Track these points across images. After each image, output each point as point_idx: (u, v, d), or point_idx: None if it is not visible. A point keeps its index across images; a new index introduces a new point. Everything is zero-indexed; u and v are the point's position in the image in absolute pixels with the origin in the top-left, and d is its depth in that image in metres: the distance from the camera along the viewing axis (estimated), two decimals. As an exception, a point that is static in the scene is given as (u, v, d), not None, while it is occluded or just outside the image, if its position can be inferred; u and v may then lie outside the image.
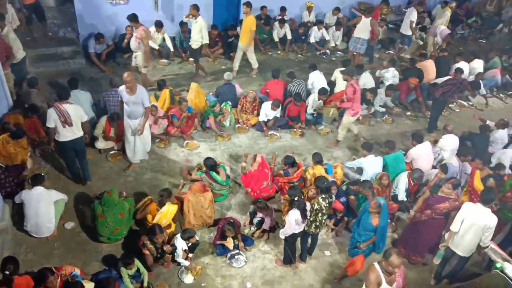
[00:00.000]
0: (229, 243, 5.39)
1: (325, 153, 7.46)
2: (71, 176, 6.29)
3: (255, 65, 9.54)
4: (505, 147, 7.66)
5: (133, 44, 7.75)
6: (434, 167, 7.00)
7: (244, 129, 7.81)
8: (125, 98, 5.96)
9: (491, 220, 4.86)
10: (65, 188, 6.05)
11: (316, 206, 5.55)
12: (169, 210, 5.31)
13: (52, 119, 5.47)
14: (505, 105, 9.91)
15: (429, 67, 9.52)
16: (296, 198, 5.12)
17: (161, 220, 5.21)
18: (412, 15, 10.57)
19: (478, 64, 10.12)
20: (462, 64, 9.67)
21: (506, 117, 8.15)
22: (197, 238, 5.17)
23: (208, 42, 8.94)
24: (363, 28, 9.52)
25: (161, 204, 5.42)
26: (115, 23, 9.34)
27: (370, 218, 5.17)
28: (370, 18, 9.43)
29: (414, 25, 10.69)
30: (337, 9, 11.70)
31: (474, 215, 4.88)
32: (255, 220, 5.84)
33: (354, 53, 9.97)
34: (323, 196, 5.57)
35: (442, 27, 10.74)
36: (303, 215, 5.00)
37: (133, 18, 7.61)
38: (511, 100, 10.10)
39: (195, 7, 8.30)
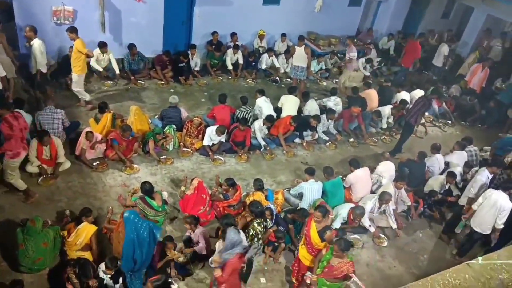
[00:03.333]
0: (172, 254, 5.26)
1: (268, 178, 7.50)
2: None
3: (86, 96, 8.43)
4: (441, 173, 7.98)
5: None
6: (373, 192, 7.17)
7: (188, 153, 7.71)
8: None
9: (507, 203, 5.97)
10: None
11: (251, 232, 5.54)
12: (86, 228, 5.03)
13: None
14: (443, 133, 10.41)
15: (372, 95, 9.89)
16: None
17: (76, 239, 4.92)
18: (444, 49, 12.16)
19: (419, 94, 10.58)
20: (403, 94, 10.14)
21: (444, 145, 8.58)
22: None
23: (42, 70, 7.80)
24: (298, 57, 9.84)
25: (78, 223, 5.12)
26: (59, 43, 9.07)
27: None
28: (303, 46, 9.76)
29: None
30: (284, 35, 11.99)
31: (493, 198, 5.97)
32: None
33: (298, 81, 10.21)
34: (258, 220, 5.57)
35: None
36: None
37: None
38: (449, 129, 10.63)
39: (31, 29, 7.38)
